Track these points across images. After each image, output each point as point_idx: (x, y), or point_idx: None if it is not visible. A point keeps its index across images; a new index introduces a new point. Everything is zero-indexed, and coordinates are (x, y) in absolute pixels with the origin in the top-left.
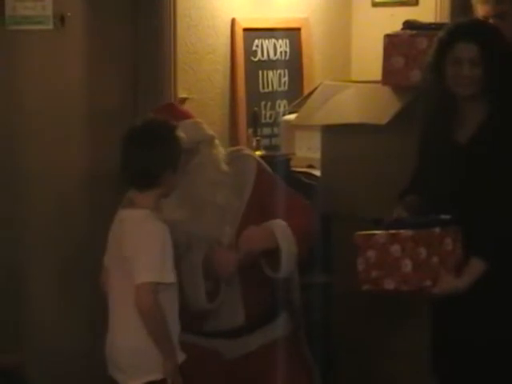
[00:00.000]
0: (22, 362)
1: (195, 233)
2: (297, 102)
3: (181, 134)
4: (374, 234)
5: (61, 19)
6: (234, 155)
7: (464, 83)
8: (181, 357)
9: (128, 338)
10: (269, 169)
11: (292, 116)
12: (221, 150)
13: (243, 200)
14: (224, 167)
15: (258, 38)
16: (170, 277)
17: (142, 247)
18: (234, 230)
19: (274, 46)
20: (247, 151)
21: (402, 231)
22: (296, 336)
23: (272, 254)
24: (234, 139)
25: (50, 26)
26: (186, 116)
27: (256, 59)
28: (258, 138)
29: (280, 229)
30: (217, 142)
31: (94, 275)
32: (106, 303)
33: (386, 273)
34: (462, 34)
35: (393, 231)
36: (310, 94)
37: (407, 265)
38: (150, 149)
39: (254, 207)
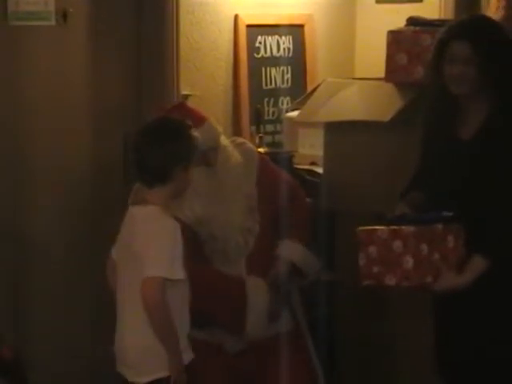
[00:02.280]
0: (20, 360)
1: (230, 225)
2: (300, 99)
3: (195, 132)
4: (376, 230)
5: (63, 15)
6: (235, 144)
7: (456, 81)
8: (188, 356)
9: (136, 335)
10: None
11: (295, 113)
12: (228, 142)
13: (253, 185)
14: (239, 157)
15: (262, 34)
16: (179, 273)
17: (151, 243)
18: (257, 216)
19: (278, 42)
20: (241, 139)
21: (404, 227)
22: (298, 333)
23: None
24: (237, 136)
25: (53, 22)
26: (196, 115)
27: (259, 56)
28: (260, 134)
29: (296, 254)
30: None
31: (97, 273)
32: (112, 299)
33: (387, 269)
34: (456, 32)
35: (395, 227)
36: (313, 91)
37: (408, 261)
38: (161, 146)
39: (262, 190)
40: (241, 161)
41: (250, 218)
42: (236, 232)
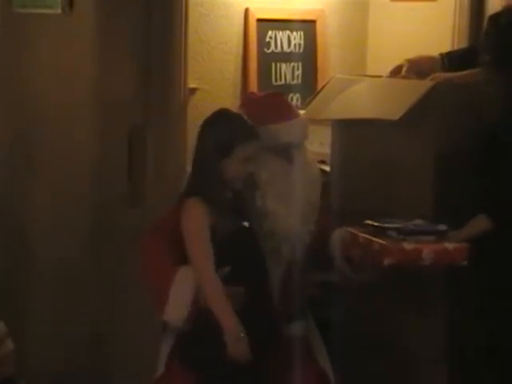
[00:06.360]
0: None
1: (287, 228)
2: (311, 98)
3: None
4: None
5: (69, 3)
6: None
7: None
8: None
9: None
10: None
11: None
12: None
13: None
14: (319, 166)
15: (272, 29)
16: None
17: None
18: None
19: (288, 37)
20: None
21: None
22: (310, 335)
23: None
24: None
25: (58, 10)
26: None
27: (269, 51)
28: None
29: None
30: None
31: (97, 272)
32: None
33: None
34: None
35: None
36: (323, 88)
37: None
38: None
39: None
40: (319, 170)
41: (306, 227)
42: (293, 235)
